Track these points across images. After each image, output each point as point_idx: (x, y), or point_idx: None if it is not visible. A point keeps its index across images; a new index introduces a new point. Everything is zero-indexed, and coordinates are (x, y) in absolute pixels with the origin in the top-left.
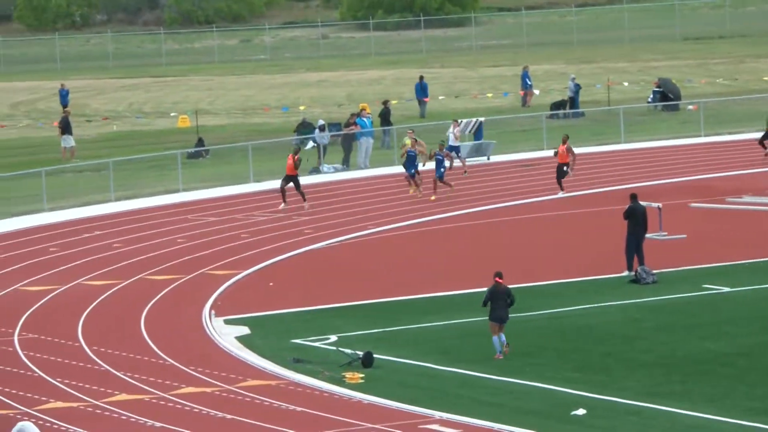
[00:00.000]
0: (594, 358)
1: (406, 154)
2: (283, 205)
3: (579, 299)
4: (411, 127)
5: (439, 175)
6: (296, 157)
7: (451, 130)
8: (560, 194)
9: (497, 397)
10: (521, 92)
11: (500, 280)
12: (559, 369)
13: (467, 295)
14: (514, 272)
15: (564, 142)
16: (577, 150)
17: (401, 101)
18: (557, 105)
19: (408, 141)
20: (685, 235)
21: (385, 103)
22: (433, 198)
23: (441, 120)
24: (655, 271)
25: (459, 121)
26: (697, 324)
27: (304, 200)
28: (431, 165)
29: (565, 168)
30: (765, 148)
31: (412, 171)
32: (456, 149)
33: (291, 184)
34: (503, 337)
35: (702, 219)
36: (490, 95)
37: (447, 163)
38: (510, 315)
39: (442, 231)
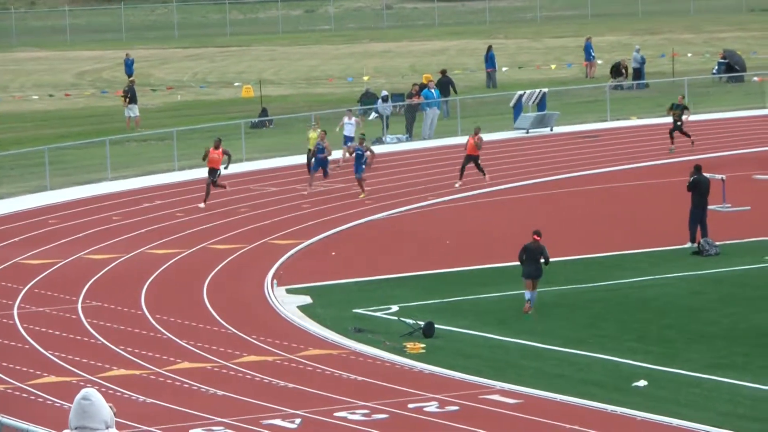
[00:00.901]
0: (655, 330)
1: (316, 151)
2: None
3: (641, 271)
4: (317, 115)
5: (360, 172)
6: (320, 138)
7: (345, 119)
8: (486, 180)
9: (559, 368)
10: (584, 63)
11: (537, 238)
12: (621, 340)
13: None
14: (575, 243)
15: (476, 133)
16: (641, 121)
17: (465, 72)
18: (616, 68)
19: (313, 134)
20: (749, 207)
21: (443, 72)
22: (362, 196)
23: (506, 91)
24: (718, 243)
25: (353, 110)
26: (759, 296)
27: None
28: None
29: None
30: (675, 138)
31: (361, 170)
32: (350, 140)
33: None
34: (528, 295)
35: (766, 191)
36: (553, 66)
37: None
38: (571, 286)
39: (503, 202)
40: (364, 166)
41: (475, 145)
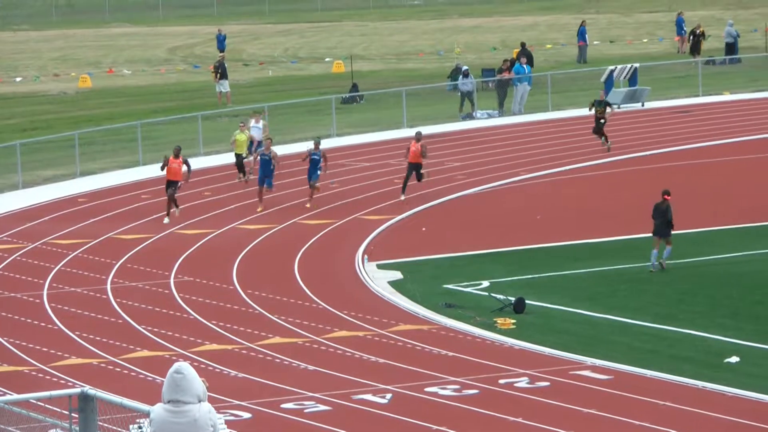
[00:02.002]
0: (746, 306)
1: (258, 158)
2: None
3: (732, 247)
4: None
5: (315, 179)
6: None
7: (252, 122)
8: (402, 197)
9: (650, 344)
10: (676, 38)
11: (667, 197)
12: (712, 316)
13: (619, 241)
14: None
15: (418, 139)
16: (734, 96)
17: (556, 47)
18: (695, 38)
19: (241, 136)
20: None
21: (523, 45)
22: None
23: (597, 66)
24: None
25: (261, 113)
26: None
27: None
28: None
29: (422, 171)
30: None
31: (317, 176)
32: (257, 145)
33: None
34: (655, 253)
35: None
36: (645, 41)
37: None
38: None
39: (595, 178)
40: (319, 172)
41: (420, 153)
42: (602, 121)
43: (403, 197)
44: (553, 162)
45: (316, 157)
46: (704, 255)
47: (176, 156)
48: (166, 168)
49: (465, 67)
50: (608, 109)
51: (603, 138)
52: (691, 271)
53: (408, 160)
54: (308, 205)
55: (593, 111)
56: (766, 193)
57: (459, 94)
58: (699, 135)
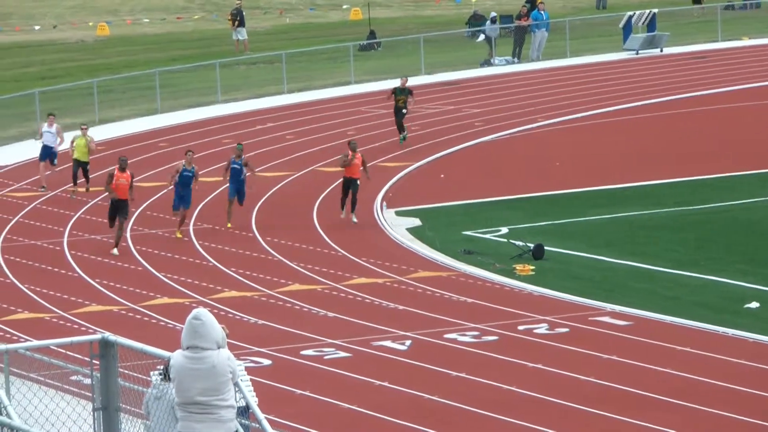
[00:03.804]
0: (763, 252)
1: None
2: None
3: (750, 193)
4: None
5: (238, 194)
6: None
7: (44, 126)
8: (343, 215)
9: (670, 290)
10: None
11: None
12: (732, 262)
13: (636, 188)
14: (684, 165)
15: (354, 150)
16: (753, 41)
17: None
18: None
19: (81, 140)
20: None
21: None
22: (229, 225)
23: (616, 12)
24: None
25: (54, 115)
26: None
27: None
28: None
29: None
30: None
31: (238, 191)
32: (52, 153)
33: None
34: None
35: None
36: None
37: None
38: (679, 208)
39: (613, 124)
40: (245, 189)
41: (362, 166)
42: (404, 111)
43: (343, 215)
44: (571, 108)
45: (237, 166)
46: (721, 201)
47: (123, 169)
48: (111, 184)
49: (494, 14)
50: (410, 99)
51: (402, 133)
52: (708, 217)
53: (345, 174)
54: (229, 225)
55: (393, 99)
56: None
57: (485, 39)
58: (717, 80)
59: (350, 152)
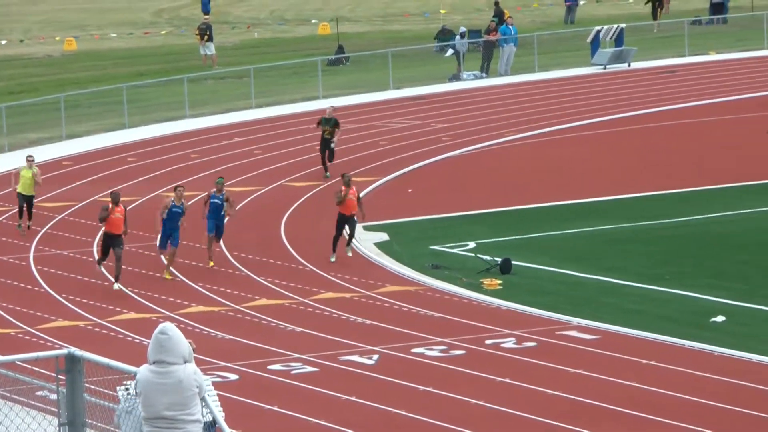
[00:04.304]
0: (733, 266)
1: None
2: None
3: (719, 207)
4: None
5: (217, 230)
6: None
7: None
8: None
9: (637, 305)
10: None
11: None
12: (698, 276)
13: (605, 202)
14: (652, 179)
15: (348, 184)
16: (720, 56)
17: (542, 7)
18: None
19: (27, 172)
20: None
21: (497, 4)
22: (212, 264)
23: (583, 26)
24: None
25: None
26: None
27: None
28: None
29: (355, 218)
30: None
31: (217, 226)
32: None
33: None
34: None
35: None
36: (631, 1)
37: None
38: (648, 222)
39: (581, 138)
40: (225, 219)
41: (357, 202)
42: (332, 144)
43: (334, 258)
44: (539, 123)
45: (218, 201)
46: (689, 215)
47: (116, 202)
48: (106, 219)
49: (462, 29)
50: (336, 130)
51: (326, 168)
52: (676, 231)
53: (341, 210)
54: (211, 263)
55: (321, 129)
56: (750, 153)
57: (453, 54)
58: (684, 95)
59: (344, 188)
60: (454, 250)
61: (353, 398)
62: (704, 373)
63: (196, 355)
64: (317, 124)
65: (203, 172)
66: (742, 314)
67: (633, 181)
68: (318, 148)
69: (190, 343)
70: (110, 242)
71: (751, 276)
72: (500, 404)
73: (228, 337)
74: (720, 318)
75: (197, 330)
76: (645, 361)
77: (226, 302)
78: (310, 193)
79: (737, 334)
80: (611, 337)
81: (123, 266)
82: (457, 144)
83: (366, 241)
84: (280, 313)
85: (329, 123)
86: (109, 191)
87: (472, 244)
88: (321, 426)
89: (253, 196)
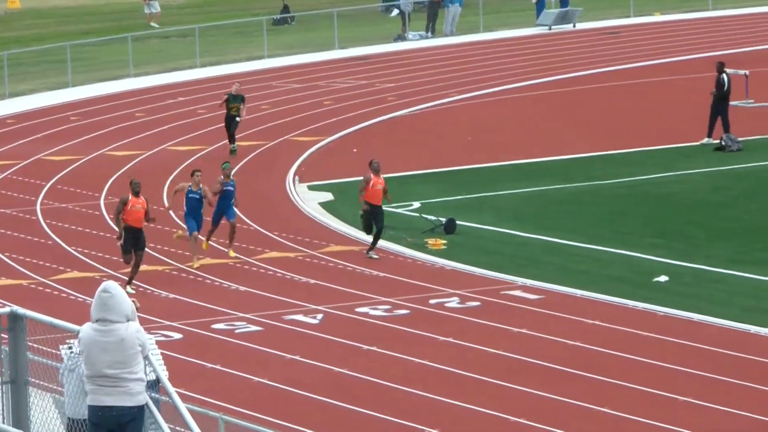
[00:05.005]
0: (677, 226)
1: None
2: None
3: (662, 167)
4: None
5: (233, 216)
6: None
7: None
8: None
9: (582, 265)
10: None
11: None
12: (643, 236)
13: (549, 162)
14: (596, 140)
15: (377, 171)
16: (665, 17)
17: None
18: None
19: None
20: None
21: None
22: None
23: None
24: (740, 139)
25: None
26: None
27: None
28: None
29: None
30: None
31: (234, 212)
32: None
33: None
34: None
35: None
36: None
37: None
38: (592, 182)
39: (526, 99)
40: (236, 209)
41: (384, 190)
42: (237, 120)
43: (374, 255)
44: (484, 83)
45: (230, 187)
46: (633, 175)
47: (137, 193)
48: (123, 212)
49: None
50: (243, 106)
51: (232, 145)
52: (619, 192)
53: (364, 197)
54: (231, 253)
55: (227, 107)
56: (695, 113)
57: (398, 14)
58: (629, 56)
59: (372, 175)
60: (399, 210)
61: (297, 357)
62: (648, 333)
63: (139, 314)
64: (224, 102)
65: (147, 131)
66: (684, 274)
67: (577, 141)
68: (224, 125)
69: (133, 301)
70: (132, 240)
71: (694, 236)
72: (444, 363)
73: (172, 296)
74: (663, 278)
75: (141, 289)
76: (589, 321)
77: (170, 261)
78: (255, 153)
79: (681, 294)
80: (555, 297)
81: (77, 227)
82: (401, 104)
83: (311, 201)
84: (224, 273)
85: (237, 99)
86: (129, 181)
87: (416, 204)
88: (264, 385)
89: (198, 155)
